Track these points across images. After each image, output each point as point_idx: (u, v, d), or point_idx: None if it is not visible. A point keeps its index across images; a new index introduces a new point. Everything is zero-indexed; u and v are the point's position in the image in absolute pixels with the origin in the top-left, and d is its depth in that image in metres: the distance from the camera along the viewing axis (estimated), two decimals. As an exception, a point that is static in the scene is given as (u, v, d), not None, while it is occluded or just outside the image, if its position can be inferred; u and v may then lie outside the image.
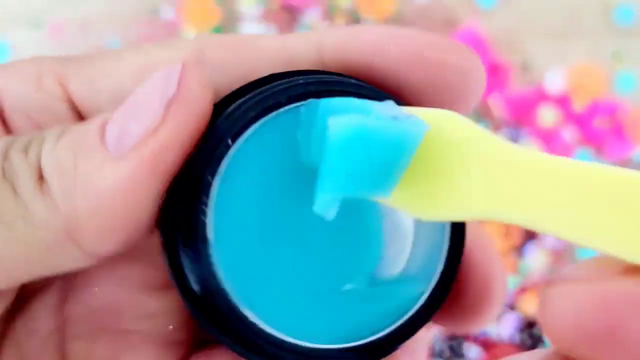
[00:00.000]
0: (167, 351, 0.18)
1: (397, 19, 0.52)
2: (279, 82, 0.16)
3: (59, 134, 0.15)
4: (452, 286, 0.17)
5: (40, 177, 0.15)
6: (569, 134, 0.51)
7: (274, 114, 0.15)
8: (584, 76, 0.51)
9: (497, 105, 0.51)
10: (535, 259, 0.51)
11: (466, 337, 0.51)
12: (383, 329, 0.16)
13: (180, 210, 0.15)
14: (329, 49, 0.16)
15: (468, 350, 0.51)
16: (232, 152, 0.15)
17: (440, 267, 0.17)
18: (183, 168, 0.15)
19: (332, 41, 0.16)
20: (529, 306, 0.51)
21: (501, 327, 0.51)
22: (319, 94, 0.15)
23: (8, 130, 0.17)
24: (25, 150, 0.15)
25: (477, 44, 0.51)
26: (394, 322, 0.16)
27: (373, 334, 0.16)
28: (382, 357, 0.17)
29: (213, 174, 0.15)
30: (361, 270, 0.16)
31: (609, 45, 0.51)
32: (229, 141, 0.15)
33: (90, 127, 0.15)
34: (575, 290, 0.12)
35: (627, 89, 0.51)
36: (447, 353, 0.51)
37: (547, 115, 0.51)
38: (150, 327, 0.18)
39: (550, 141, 0.51)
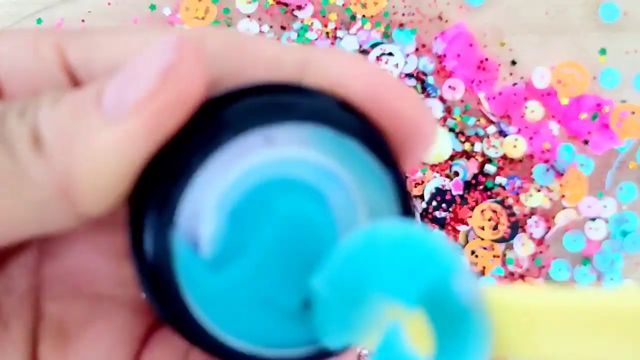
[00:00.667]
0: (140, 317, 0.18)
1: (388, 16, 0.53)
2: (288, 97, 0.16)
3: (55, 98, 0.16)
4: None
5: (37, 140, 0.15)
6: (555, 128, 0.52)
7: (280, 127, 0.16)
8: (570, 72, 0.52)
9: (485, 101, 0.52)
10: (523, 250, 0.52)
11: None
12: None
13: (155, 185, 0.16)
14: (310, 71, 0.17)
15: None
16: (226, 148, 0.16)
17: None
18: (170, 143, 0.15)
19: (313, 63, 0.17)
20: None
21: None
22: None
23: (2, 95, 0.17)
24: (22, 114, 0.15)
25: (465, 40, 0.52)
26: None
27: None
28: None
29: (200, 161, 0.15)
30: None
31: (595, 41, 0.52)
32: (231, 135, 0.15)
33: (87, 92, 0.16)
34: None
35: (612, 84, 0.52)
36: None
37: (534, 111, 0.52)
38: (124, 293, 0.18)
39: (537, 136, 0.52)
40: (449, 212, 0.52)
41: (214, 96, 0.16)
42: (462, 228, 0.52)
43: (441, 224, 0.52)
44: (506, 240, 0.52)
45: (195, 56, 0.15)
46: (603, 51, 0.52)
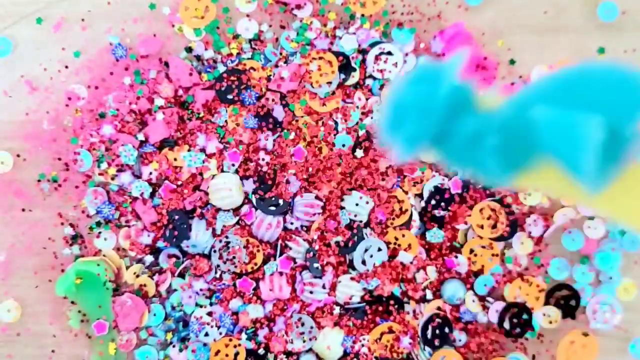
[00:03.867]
0: None
1: (387, 15, 0.53)
2: None
3: None
4: None
5: None
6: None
7: None
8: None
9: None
10: (522, 249, 0.52)
11: (455, 324, 0.52)
12: None
13: None
14: None
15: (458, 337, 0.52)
16: None
17: None
18: None
19: None
20: (513, 294, 0.52)
21: (489, 314, 0.52)
22: None
23: None
24: None
25: (464, 39, 0.52)
26: None
27: None
28: None
29: None
30: None
31: (594, 40, 0.52)
32: None
33: None
34: None
35: (610, 83, 0.52)
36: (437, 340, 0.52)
37: (533, 109, 0.52)
38: None
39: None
40: (448, 210, 0.52)
41: None
42: (461, 227, 0.52)
43: (440, 222, 0.52)
44: (505, 238, 0.52)
45: None
46: (602, 50, 0.52)
